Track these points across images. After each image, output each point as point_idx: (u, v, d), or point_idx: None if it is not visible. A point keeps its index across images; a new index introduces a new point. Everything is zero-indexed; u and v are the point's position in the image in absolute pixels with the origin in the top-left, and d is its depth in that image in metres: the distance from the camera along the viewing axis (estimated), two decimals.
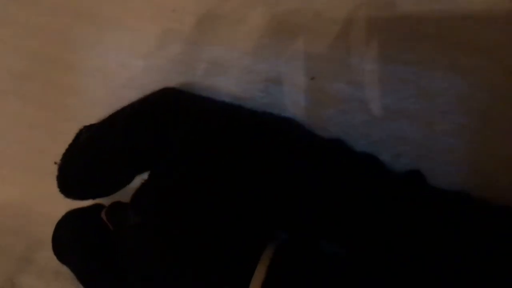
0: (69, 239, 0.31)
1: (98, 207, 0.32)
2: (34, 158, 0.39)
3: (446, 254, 0.26)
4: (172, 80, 0.33)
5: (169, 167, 0.29)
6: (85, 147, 0.30)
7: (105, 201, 0.32)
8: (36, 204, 0.39)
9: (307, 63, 0.31)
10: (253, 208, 0.28)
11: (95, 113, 0.31)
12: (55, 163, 0.31)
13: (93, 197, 0.31)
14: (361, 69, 0.30)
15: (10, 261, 0.37)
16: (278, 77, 0.31)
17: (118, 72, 0.33)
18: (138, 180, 0.30)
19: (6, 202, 0.40)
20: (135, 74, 0.33)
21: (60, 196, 0.37)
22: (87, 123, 0.32)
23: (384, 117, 0.30)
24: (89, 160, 0.30)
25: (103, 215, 0.31)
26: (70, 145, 0.31)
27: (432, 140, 0.30)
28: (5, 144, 0.39)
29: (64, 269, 0.36)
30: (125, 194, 0.31)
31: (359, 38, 0.29)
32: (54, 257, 0.37)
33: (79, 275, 0.31)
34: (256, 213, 0.28)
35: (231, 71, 0.32)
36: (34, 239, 0.38)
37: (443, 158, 0.30)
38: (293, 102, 0.32)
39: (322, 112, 0.31)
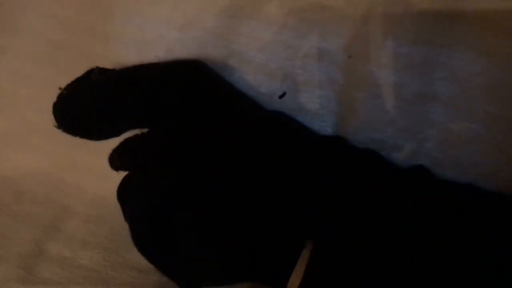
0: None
1: None
2: None
3: (452, 246, 0.26)
4: (209, 53, 0.32)
5: (176, 132, 0.30)
6: (98, 87, 0.30)
7: None
8: (65, 174, 0.39)
9: (346, 40, 0.30)
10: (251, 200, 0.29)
11: None
12: (60, 88, 0.31)
13: (82, 136, 0.32)
14: (394, 52, 0.29)
15: (39, 229, 0.37)
16: (316, 54, 0.31)
17: (154, 43, 0.33)
18: None
19: (35, 171, 0.40)
20: (171, 46, 0.33)
21: (89, 167, 0.38)
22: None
23: (414, 102, 0.30)
24: (99, 101, 0.30)
25: None
26: (79, 80, 0.31)
27: (460, 127, 0.30)
28: (36, 112, 0.39)
29: (91, 238, 0.37)
30: None
31: (394, 19, 0.29)
32: (82, 227, 0.38)
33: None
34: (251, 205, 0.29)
35: (269, 46, 0.31)
36: (62, 208, 0.39)
37: (469, 147, 0.30)
38: (330, 80, 0.31)
39: (353, 94, 0.31)
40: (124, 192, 0.31)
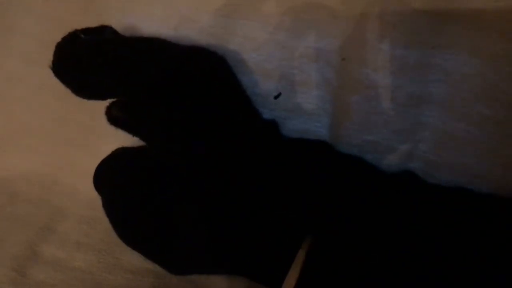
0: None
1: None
2: (59, 128, 0.39)
3: (445, 248, 0.26)
4: None
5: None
6: (112, 47, 0.29)
7: None
8: (59, 175, 0.39)
9: (341, 41, 0.30)
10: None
11: None
12: (76, 30, 0.29)
13: (69, 85, 0.29)
14: (389, 55, 0.29)
15: (32, 230, 0.37)
16: (312, 54, 0.30)
17: None
18: None
19: (29, 172, 0.40)
20: None
21: (83, 167, 0.37)
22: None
23: (408, 105, 0.30)
24: (110, 60, 0.28)
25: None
26: (91, 31, 0.29)
27: (454, 129, 0.30)
28: (30, 113, 0.39)
29: (85, 240, 0.36)
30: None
31: (388, 22, 0.28)
32: (76, 228, 0.37)
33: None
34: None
35: (265, 46, 0.31)
36: (56, 209, 0.38)
37: (463, 148, 0.30)
38: (325, 81, 0.31)
39: (348, 96, 0.31)
40: (99, 179, 0.31)
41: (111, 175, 0.31)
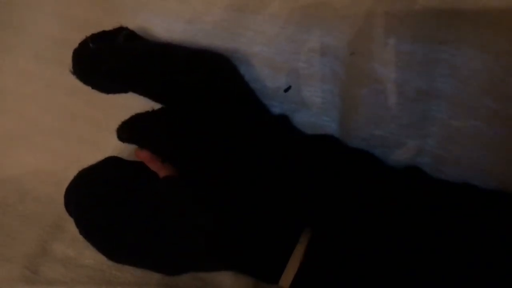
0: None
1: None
2: (68, 125, 0.40)
3: (449, 244, 0.26)
4: (216, 46, 0.32)
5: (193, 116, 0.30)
6: (125, 52, 0.30)
7: None
8: (69, 172, 0.39)
9: (349, 36, 0.30)
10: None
11: None
12: (86, 37, 0.30)
13: (92, 87, 0.31)
14: (397, 50, 0.29)
15: (43, 228, 0.37)
16: (320, 48, 0.31)
17: (162, 37, 0.33)
18: None
19: (39, 169, 0.40)
20: (179, 39, 0.33)
21: None
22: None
23: (416, 99, 0.30)
24: (123, 65, 0.29)
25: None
26: (106, 36, 0.31)
27: (461, 123, 0.30)
28: (41, 110, 0.39)
29: None
30: None
31: (396, 17, 0.29)
32: None
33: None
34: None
35: (275, 40, 0.31)
36: None
37: (470, 143, 0.30)
38: (333, 75, 0.31)
39: (356, 90, 0.31)
40: (69, 204, 0.32)
41: (80, 197, 0.32)
